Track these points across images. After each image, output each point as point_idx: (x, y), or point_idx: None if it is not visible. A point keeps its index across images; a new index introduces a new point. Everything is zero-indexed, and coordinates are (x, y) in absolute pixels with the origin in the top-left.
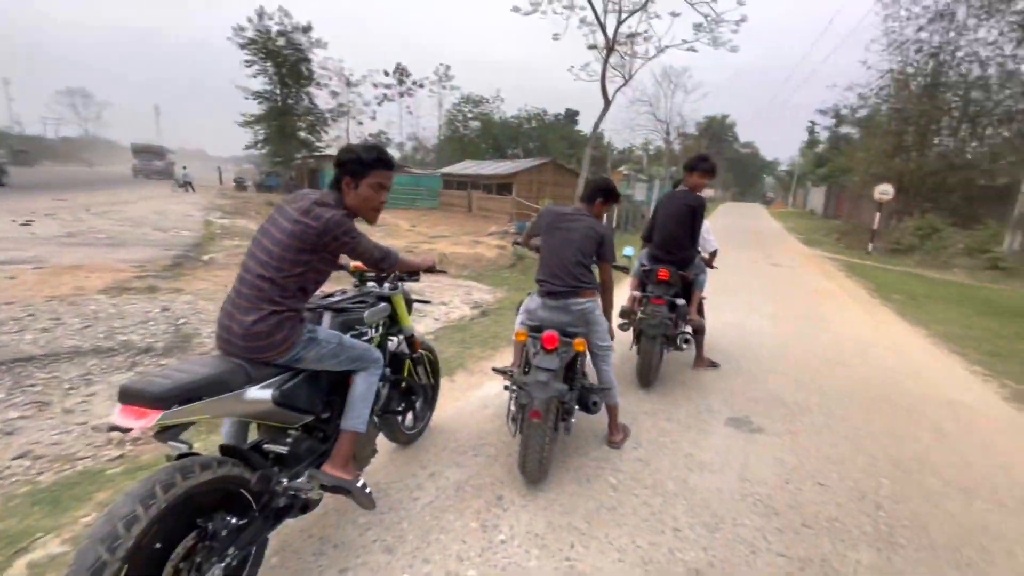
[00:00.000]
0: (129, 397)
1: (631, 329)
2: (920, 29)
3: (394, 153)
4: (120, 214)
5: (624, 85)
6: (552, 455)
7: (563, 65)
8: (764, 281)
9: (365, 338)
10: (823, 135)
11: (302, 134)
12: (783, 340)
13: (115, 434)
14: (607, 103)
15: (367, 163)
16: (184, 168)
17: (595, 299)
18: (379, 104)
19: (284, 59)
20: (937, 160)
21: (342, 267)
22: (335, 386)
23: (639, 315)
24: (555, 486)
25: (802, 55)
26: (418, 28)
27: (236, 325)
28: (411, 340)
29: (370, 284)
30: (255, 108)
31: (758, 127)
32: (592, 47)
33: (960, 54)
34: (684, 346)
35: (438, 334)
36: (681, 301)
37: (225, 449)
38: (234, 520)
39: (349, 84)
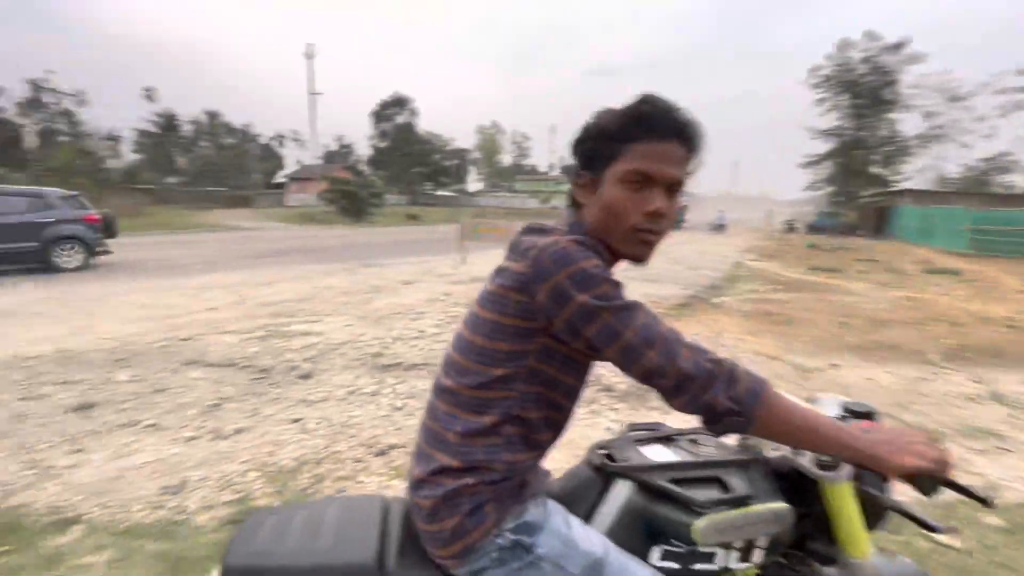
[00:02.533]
0: None
1: None
2: None
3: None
4: (667, 253)
5: None
6: None
7: None
8: None
9: (698, 567)
10: None
11: (873, 168)
12: None
13: None
14: None
15: (614, 133)
16: (720, 211)
17: None
18: (1001, 116)
19: (862, 88)
20: None
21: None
22: None
23: None
24: None
25: None
26: None
27: (408, 480)
28: None
29: None
30: (819, 148)
31: None
32: None
33: None
34: None
35: (1001, 541)
36: None
37: None
38: None
39: (955, 99)
